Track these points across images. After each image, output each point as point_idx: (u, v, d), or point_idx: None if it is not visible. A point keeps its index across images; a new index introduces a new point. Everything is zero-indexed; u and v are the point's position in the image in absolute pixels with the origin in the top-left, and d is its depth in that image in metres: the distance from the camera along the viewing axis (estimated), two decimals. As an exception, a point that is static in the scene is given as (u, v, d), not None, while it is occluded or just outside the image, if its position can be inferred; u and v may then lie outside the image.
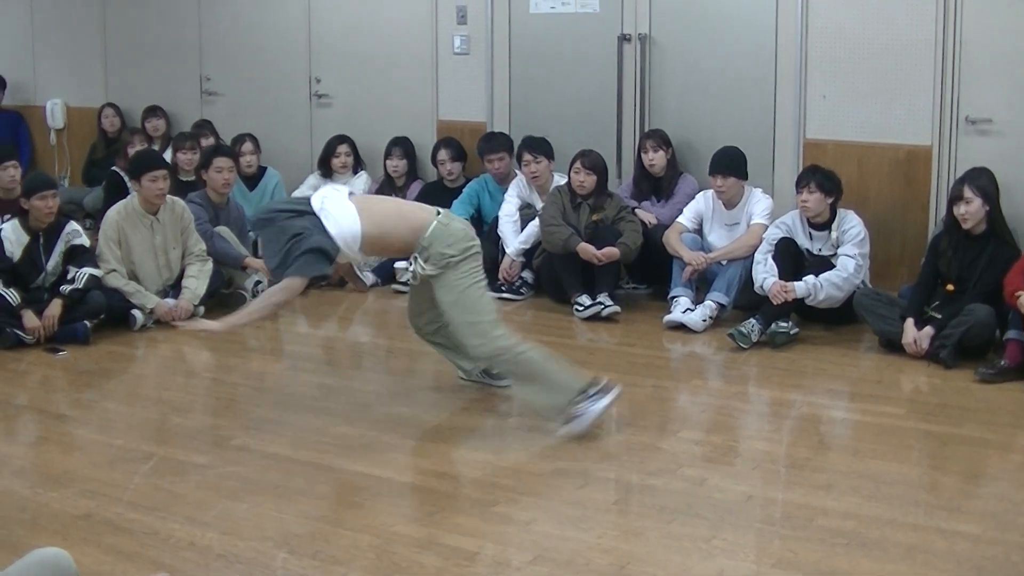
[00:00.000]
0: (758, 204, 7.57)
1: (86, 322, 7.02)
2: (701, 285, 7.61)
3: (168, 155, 9.27)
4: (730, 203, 7.63)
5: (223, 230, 8.04)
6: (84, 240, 7.29)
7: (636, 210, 8.04)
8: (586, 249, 7.62)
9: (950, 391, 6.09)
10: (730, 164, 7.55)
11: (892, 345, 6.71)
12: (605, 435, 5.61)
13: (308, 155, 9.88)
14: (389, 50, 9.65)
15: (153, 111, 10.60)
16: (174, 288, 7.57)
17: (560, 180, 8.20)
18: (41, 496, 4.73)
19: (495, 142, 8.71)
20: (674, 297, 7.48)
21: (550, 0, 8.85)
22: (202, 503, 4.65)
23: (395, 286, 8.30)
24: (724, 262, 7.47)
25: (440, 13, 9.35)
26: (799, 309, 7.04)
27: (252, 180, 9.22)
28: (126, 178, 8.63)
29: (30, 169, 10.30)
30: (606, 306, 7.49)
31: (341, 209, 5.40)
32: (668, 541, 4.28)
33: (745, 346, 6.79)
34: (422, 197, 8.38)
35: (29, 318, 6.87)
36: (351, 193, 5.64)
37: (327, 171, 9.35)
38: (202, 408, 5.99)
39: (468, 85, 9.32)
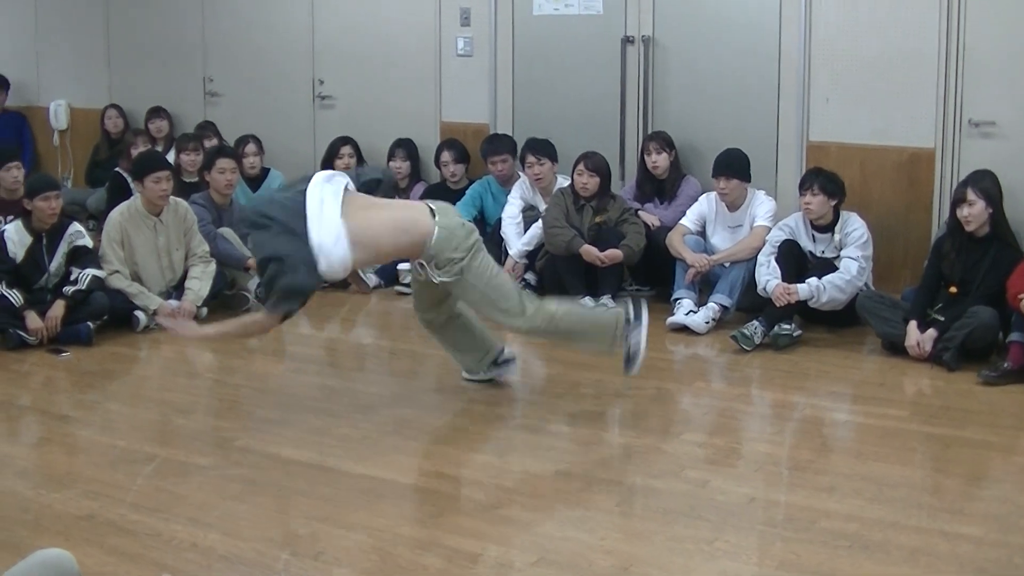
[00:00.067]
0: (761, 206, 7.57)
1: (89, 323, 7.03)
2: (704, 287, 7.60)
3: (171, 156, 9.28)
4: (733, 205, 7.63)
5: (226, 231, 8.05)
6: (87, 241, 7.29)
7: (639, 212, 8.04)
8: (589, 251, 7.62)
9: (953, 393, 6.08)
10: (733, 166, 7.55)
11: (895, 347, 6.70)
12: (608, 437, 5.63)
13: (311, 156, 9.88)
14: (392, 51, 9.65)
15: (156, 112, 10.61)
16: (177, 289, 7.57)
17: (563, 182, 8.20)
18: (44, 497, 4.74)
19: (498, 144, 8.71)
20: (677, 299, 7.48)
21: (553, 2, 8.85)
22: (204, 504, 4.66)
23: (398, 288, 8.30)
24: (727, 264, 7.47)
25: (443, 15, 9.35)
26: (802, 311, 7.04)
27: (255, 181, 9.22)
28: (129, 179, 8.64)
29: (33, 170, 10.29)
30: (609, 308, 7.49)
31: (332, 233, 5.30)
32: (671, 543, 4.28)
33: (748, 348, 6.79)
34: (425, 199, 8.37)
35: (32, 319, 6.88)
36: (347, 188, 5.54)
37: (330, 173, 9.34)
38: (205, 409, 5.99)
39: (471, 87, 9.33)
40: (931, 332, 6.52)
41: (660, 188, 8.25)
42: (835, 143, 7.90)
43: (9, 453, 5.35)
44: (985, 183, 6.61)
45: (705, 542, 4.28)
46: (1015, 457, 5.30)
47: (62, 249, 7.14)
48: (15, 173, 8.06)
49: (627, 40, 8.57)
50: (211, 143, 9.47)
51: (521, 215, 8.32)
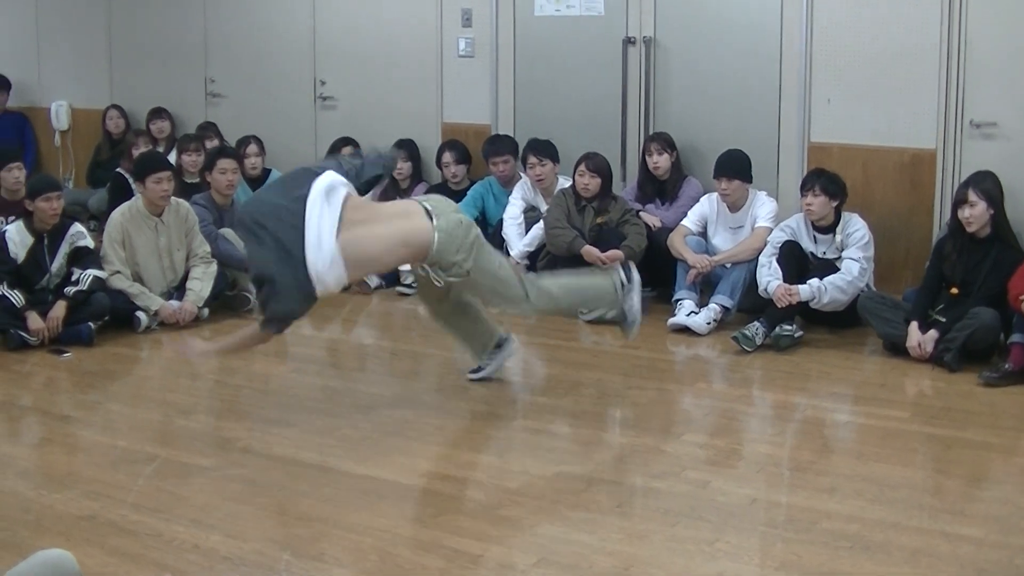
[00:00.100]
0: (763, 207, 7.56)
1: (90, 324, 7.03)
2: (705, 288, 7.60)
3: (173, 157, 9.29)
4: (734, 206, 7.63)
5: (227, 232, 8.04)
6: (88, 242, 7.29)
7: (640, 213, 8.05)
8: (590, 252, 7.63)
9: (954, 395, 6.08)
10: (735, 167, 7.55)
11: (896, 348, 6.70)
12: (609, 438, 5.63)
13: (312, 157, 9.86)
14: (394, 52, 9.66)
15: (158, 113, 10.61)
16: (178, 290, 7.57)
17: (564, 183, 8.21)
18: (45, 497, 4.74)
19: (500, 145, 8.71)
20: (678, 300, 7.48)
21: (555, 3, 8.85)
22: (206, 505, 4.66)
23: (399, 288, 8.30)
24: (728, 265, 7.47)
25: (445, 16, 9.35)
26: (803, 312, 7.03)
27: (257, 182, 9.21)
28: (130, 180, 8.64)
29: (35, 171, 10.31)
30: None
31: (328, 259, 5.28)
32: (672, 544, 4.28)
33: (749, 349, 6.79)
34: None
35: (33, 320, 6.88)
36: (347, 197, 5.51)
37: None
38: (206, 410, 5.99)
39: (473, 88, 9.33)
40: (932, 333, 6.52)
41: (661, 189, 8.25)
42: (836, 144, 7.90)
43: (10, 453, 5.35)
44: (986, 184, 6.61)
45: (706, 543, 4.28)
46: (1016, 458, 5.30)
47: (63, 250, 7.15)
48: (16, 174, 8.06)
49: (628, 41, 8.57)
50: (212, 144, 9.47)
51: (522, 216, 8.32)
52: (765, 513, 4.66)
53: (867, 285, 7.05)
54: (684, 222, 7.77)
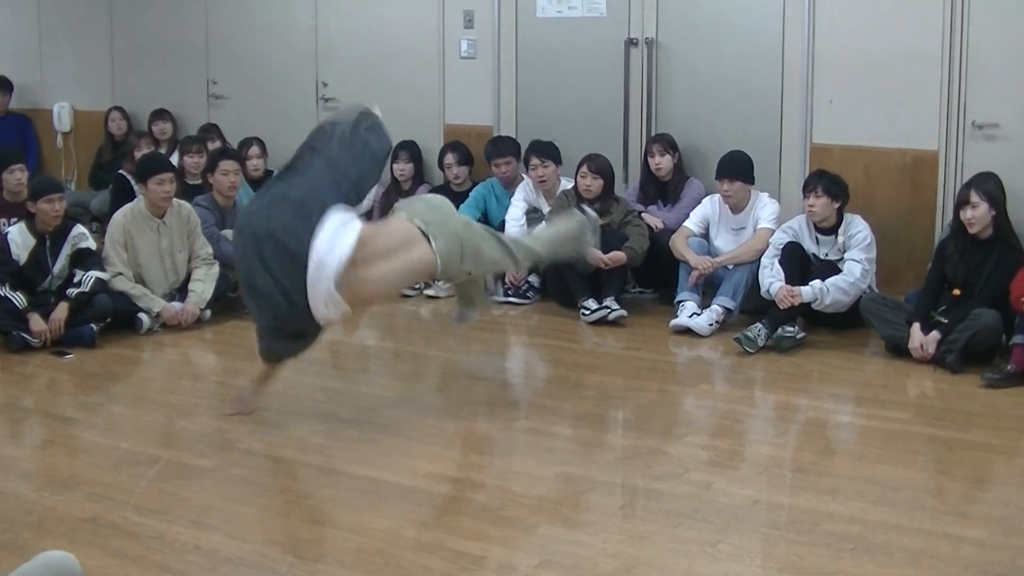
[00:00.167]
0: (765, 208, 7.56)
1: (92, 325, 7.03)
2: (707, 289, 7.60)
3: (175, 159, 9.28)
4: (737, 207, 7.62)
5: (229, 233, 8.03)
6: (90, 243, 7.30)
7: (642, 214, 8.05)
8: (592, 253, 7.62)
9: (956, 396, 6.08)
10: (737, 168, 7.55)
11: (898, 350, 6.70)
12: (611, 439, 5.63)
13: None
14: (396, 54, 9.66)
15: (160, 114, 10.61)
16: (180, 291, 7.57)
17: (566, 184, 8.21)
18: (47, 499, 4.74)
19: (502, 146, 8.71)
20: (680, 301, 7.48)
21: (557, 4, 8.85)
22: (208, 507, 4.66)
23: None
24: (730, 266, 7.47)
25: (447, 17, 9.36)
26: (805, 313, 7.03)
27: (259, 183, 9.19)
28: (133, 181, 8.64)
29: (37, 172, 10.33)
30: (612, 310, 7.48)
31: (331, 304, 5.23)
32: (674, 545, 4.28)
33: (751, 350, 6.79)
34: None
35: (35, 321, 6.88)
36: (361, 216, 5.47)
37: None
38: (208, 411, 5.98)
39: (475, 89, 9.33)
40: (934, 334, 6.52)
41: (663, 190, 8.25)
42: (838, 145, 7.90)
43: (13, 455, 5.35)
44: (988, 185, 6.61)
45: (708, 544, 4.28)
46: (1018, 460, 5.30)
47: (65, 251, 7.15)
48: (19, 175, 8.07)
49: (630, 42, 8.57)
50: (214, 145, 9.48)
51: (525, 217, 8.31)
52: (767, 514, 4.66)
53: (869, 286, 7.05)
54: (686, 223, 7.76)
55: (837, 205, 7.09)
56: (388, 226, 5.57)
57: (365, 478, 4.97)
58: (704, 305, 7.43)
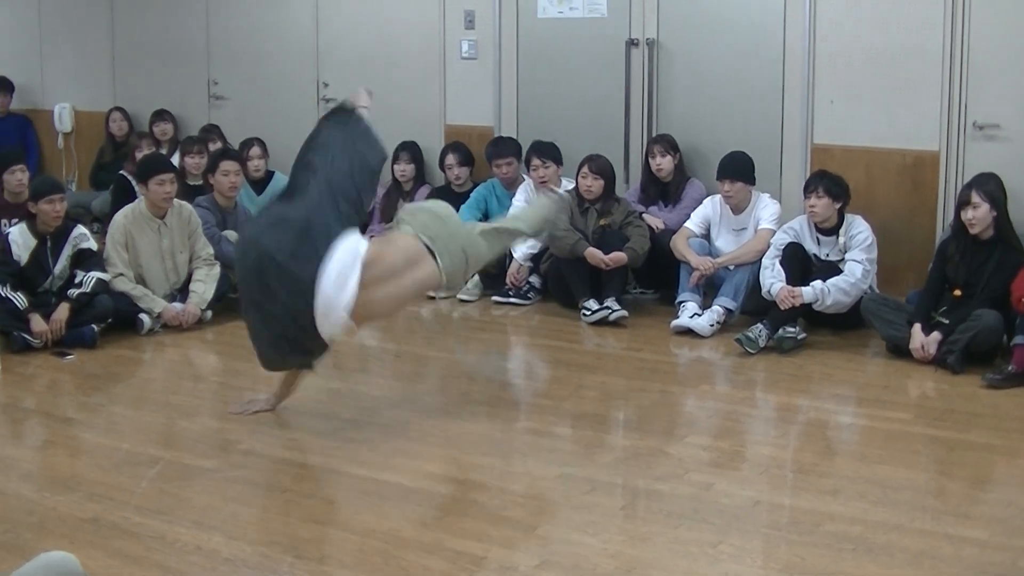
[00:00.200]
0: (766, 209, 7.56)
1: (93, 326, 7.03)
2: (708, 290, 7.61)
3: (176, 159, 9.29)
4: (738, 208, 7.63)
5: (230, 234, 8.04)
6: (91, 244, 7.30)
7: (643, 215, 8.05)
8: (593, 254, 7.62)
9: (957, 396, 6.08)
10: (738, 169, 7.56)
11: (899, 350, 6.70)
12: (612, 440, 5.62)
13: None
14: (397, 54, 9.66)
15: (161, 115, 10.62)
16: (181, 292, 7.57)
17: (568, 185, 8.21)
18: (48, 500, 4.74)
19: (503, 147, 8.71)
20: (681, 302, 7.47)
21: (558, 5, 8.85)
22: (209, 507, 4.66)
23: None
24: (731, 267, 7.47)
25: (448, 17, 9.36)
26: (806, 314, 7.03)
27: (260, 184, 9.22)
28: (134, 182, 8.64)
29: (38, 173, 10.33)
30: (613, 311, 7.48)
31: (342, 320, 5.25)
32: (675, 546, 4.27)
33: (752, 351, 6.79)
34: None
35: (36, 322, 6.88)
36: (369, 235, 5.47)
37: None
38: (209, 412, 5.99)
39: (476, 90, 9.33)
40: (935, 335, 6.51)
41: (664, 191, 8.25)
42: (839, 146, 7.90)
43: (14, 456, 5.35)
44: (989, 186, 6.61)
45: (709, 545, 4.28)
46: (1019, 460, 5.29)
47: (66, 252, 7.15)
48: (19, 176, 8.08)
49: (631, 43, 8.57)
50: (216, 146, 9.49)
51: (525, 218, 8.31)
52: (768, 515, 4.66)
53: (870, 287, 7.05)
54: (687, 224, 7.76)
55: (838, 206, 7.09)
56: (394, 244, 5.51)
57: (366, 478, 4.97)
58: (705, 306, 7.43)
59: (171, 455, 5.26)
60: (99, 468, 5.11)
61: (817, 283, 6.90)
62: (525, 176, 8.52)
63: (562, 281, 7.86)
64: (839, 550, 4.23)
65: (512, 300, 8.10)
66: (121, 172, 9.72)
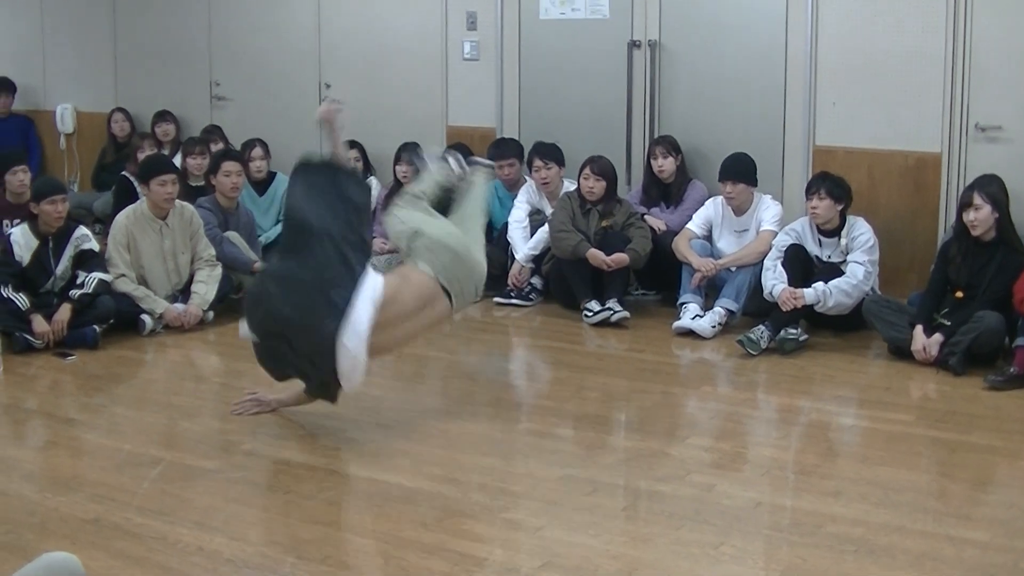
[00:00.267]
0: (767, 211, 7.57)
1: (95, 327, 7.03)
2: (710, 291, 7.60)
3: (178, 160, 9.29)
4: (739, 209, 7.63)
5: (232, 235, 8.05)
6: (93, 244, 7.30)
7: (645, 216, 8.05)
8: (595, 255, 7.62)
9: (959, 398, 6.08)
10: (740, 170, 7.56)
11: (901, 352, 6.70)
12: (613, 441, 5.62)
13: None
14: (399, 55, 9.67)
15: (163, 116, 10.63)
16: (183, 293, 7.57)
17: (569, 186, 8.21)
18: (50, 500, 4.74)
19: (505, 148, 8.71)
20: (683, 303, 7.48)
21: (560, 6, 8.86)
22: (210, 508, 4.66)
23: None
24: (733, 268, 7.47)
25: (450, 19, 9.36)
26: (808, 316, 7.03)
27: (262, 185, 9.22)
28: (135, 183, 8.65)
29: (40, 174, 10.34)
30: (615, 312, 7.48)
31: (358, 366, 5.27)
32: (677, 547, 4.27)
33: (754, 352, 6.79)
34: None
35: (38, 323, 6.88)
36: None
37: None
38: (211, 413, 5.99)
39: (478, 91, 9.33)
40: (937, 336, 6.51)
41: (666, 192, 8.25)
42: (841, 147, 7.90)
43: (15, 456, 5.35)
44: (992, 188, 6.61)
45: (711, 546, 4.27)
46: (1021, 462, 5.29)
47: (68, 252, 7.15)
48: (21, 176, 8.07)
49: (633, 44, 8.57)
50: (217, 147, 9.48)
51: (528, 219, 8.32)
52: (770, 517, 4.65)
53: (872, 289, 7.05)
54: (689, 225, 7.77)
55: (840, 207, 7.09)
56: (410, 283, 5.53)
57: (367, 479, 4.97)
58: (707, 307, 7.43)
59: (173, 456, 5.26)
60: (101, 469, 5.11)
61: (819, 285, 6.90)
62: (527, 177, 8.52)
63: (564, 282, 7.86)
64: (841, 551, 4.22)
65: (514, 301, 8.10)
66: (123, 173, 9.72)
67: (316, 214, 5.37)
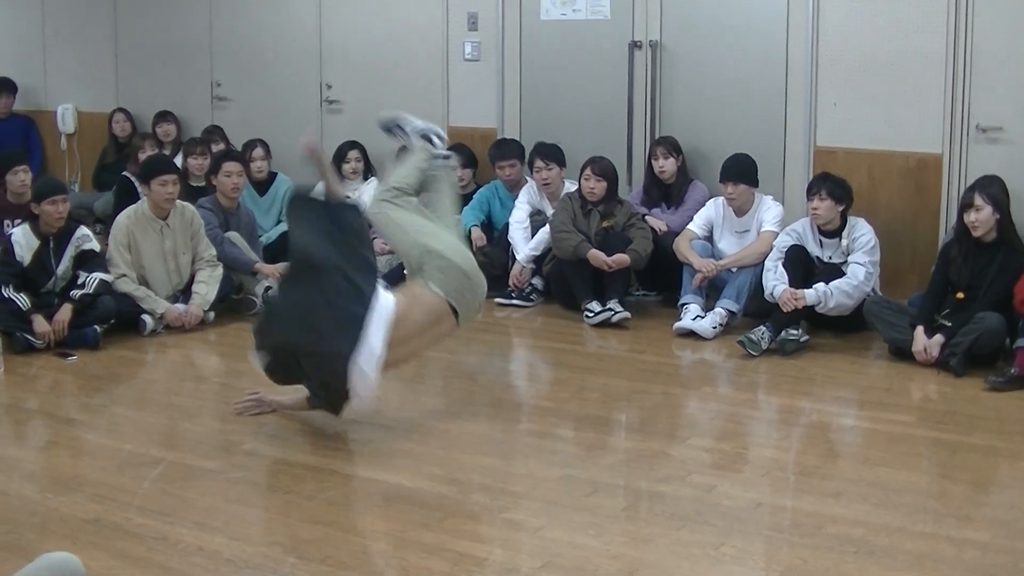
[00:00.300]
0: (768, 211, 7.57)
1: (96, 327, 7.03)
2: (711, 292, 7.60)
3: (179, 160, 9.29)
4: (740, 210, 7.63)
5: (233, 235, 8.04)
6: (94, 245, 7.30)
7: (646, 217, 8.04)
8: (596, 256, 7.62)
9: (960, 399, 6.08)
10: (741, 171, 7.56)
11: (902, 353, 6.69)
12: (614, 442, 5.62)
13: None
14: (400, 56, 9.66)
15: (164, 116, 10.63)
16: (184, 293, 7.57)
17: (570, 187, 8.20)
18: (50, 500, 4.74)
19: (506, 149, 8.71)
20: (684, 304, 7.48)
21: (561, 7, 8.86)
22: (211, 508, 4.66)
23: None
24: (734, 269, 7.46)
25: (451, 19, 9.36)
26: (809, 316, 7.03)
27: (263, 185, 9.21)
28: (136, 183, 8.65)
29: (41, 174, 10.33)
30: (616, 312, 7.48)
31: (371, 384, 5.28)
32: (677, 548, 4.27)
33: (755, 353, 6.78)
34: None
35: (39, 323, 6.88)
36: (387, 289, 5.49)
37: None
38: (211, 413, 5.99)
39: (479, 91, 9.33)
40: (938, 337, 6.51)
41: (667, 193, 8.25)
42: (842, 148, 7.90)
43: (16, 456, 5.36)
44: (993, 189, 6.61)
45: (711, 547, 4.27)
46: (1022, 463, 5.29)
47: (69, 253, 7.15)
48: (22, 177, 8.06)
49: (634, 45, 8.57)
50: (218, 147, 9.48)
51: (529, 220, 8.32)
52: (770, 517, 4.65)
53: (873, 289, 7.05)
54: (690, 226, 7.77)
55: (841, 208, 7.09)
56: (421, 304, 5.55)
57: (367, 479, 4.98)
58: (708, 308, 7.43)
59: (173, 456, 5.26)
60: (101, 469, 5.11)
61: (820, 285, 6.90)
62: (528, 178, 8.52)
63: (565, 283, 7.86)
64: (841, 552, 4.22)
65: (515, 302, 8.10)
66: (124, 173, 9.72)
67: (319, 248, 5.38)
